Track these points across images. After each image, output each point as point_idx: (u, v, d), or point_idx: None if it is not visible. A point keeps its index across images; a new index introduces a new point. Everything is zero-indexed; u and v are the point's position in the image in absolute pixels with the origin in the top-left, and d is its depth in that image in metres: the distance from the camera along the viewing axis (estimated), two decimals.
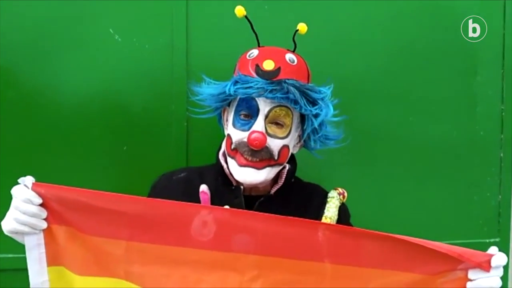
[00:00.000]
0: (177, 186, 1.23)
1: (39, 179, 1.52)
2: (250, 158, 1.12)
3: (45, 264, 1.06)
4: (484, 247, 1.80)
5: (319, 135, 1.19)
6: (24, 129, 1.56)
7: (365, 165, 1.72)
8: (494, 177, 1.78)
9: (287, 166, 1.20)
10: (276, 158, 1.13)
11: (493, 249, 1.04)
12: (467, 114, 1.77)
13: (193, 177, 1.23)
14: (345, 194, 1.23)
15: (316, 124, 1.14)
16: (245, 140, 1.11)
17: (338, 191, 1.23)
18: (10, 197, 1.10)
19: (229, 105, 1.20)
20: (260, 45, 1.19)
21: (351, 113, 1.67)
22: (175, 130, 1.59)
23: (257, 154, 1.11)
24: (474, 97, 1.77)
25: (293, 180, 1.24)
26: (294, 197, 1.22)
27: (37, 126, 1.56)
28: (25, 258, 1.06)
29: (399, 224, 1.69)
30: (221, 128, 1.29)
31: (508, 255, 1.77)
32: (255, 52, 1.15)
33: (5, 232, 1.03)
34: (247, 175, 1.12)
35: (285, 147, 1.14)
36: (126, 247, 1.06)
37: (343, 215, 1.24)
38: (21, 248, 1.07)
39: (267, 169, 1.13)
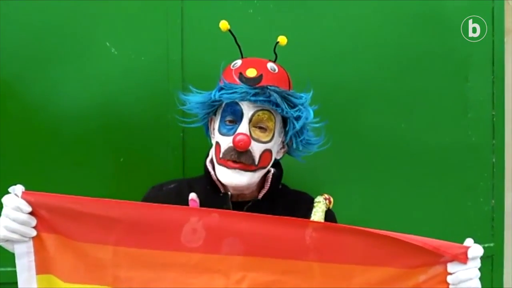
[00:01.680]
0: (168, 197, 1.25)
1: (36, 189, 1.54)
2: (236, 161, 1.16)
3: (34, 272, 1.07)
4: None
5: (301, 138, 1.23)
6: (21, 140, 1.56)
7: (358, 171, 1.73)
8: (486, 182, 1.80)
9: (272, 170, 1.24)
10: (256, 163, 1.17)
11: (469, 241, 1.07)
12: (458, 120, 1.78)
13: (182, 187, 1.26)
14: (331, 200, 1.25)
15: (298, 127, 1.19)
16: (231, 145, 1.15)
17: (324, 197, 1.25)
18: None
19: (215, 114, 1.24)
20: (244, 56, 1.25)
21: (343, 120, 1.71)
22: (171, 141, 1.60)
23: (242, 156, 1.15)
24: (465, 103, 1.79)
25: (280, 186, 1.28)
26: (281, 203, 1.24)
27: (35, 138, 1.56)
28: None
29: (392, 230, 1.72)
30: (208, 138, 1.32)
31: (502, 260, 1.81)
32: (238, 62, 1.21)
33: None
34: (232, 178, 1.16)
35: (267, 151, 1.18)
36: (114, 252, 1.08)
37: (330, 220, 1.25)
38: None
39: (249, 174, 1.17)
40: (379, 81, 1.73)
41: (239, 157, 1.15)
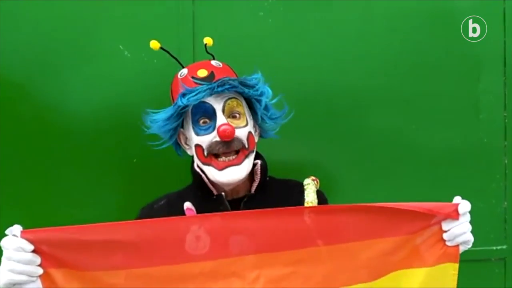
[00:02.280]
0: (160, 214, 1.20)
1: (48, 192, 1.57)
2: (226, 158, 1.18)
3: None
4: (491, 255, 1.82)
5: (270, 113, 1.28)
6: (35, 141, 1.59)
7: (368, 173, 1.73)
8: (499, 184, 1.79)
9: (259, 162, 1.26)
10: (247, 146, 1.20)
11: (457, 199, 1.15)
12: (470, 122, 1.78)
13: (174, 201, 1.25)
14: (318, 180, 1.29)
15: (264, 102, 1.24)
16: (215, 139, 1.17)
17: (311, 178, 1.28)
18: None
19: (182, 126, 1.26)
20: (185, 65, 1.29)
21: (354, 121, 1.71)
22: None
23: (231, 145, 1.17)
24: (477, 104, 1.78)
25: (268, 178, 1.29)
26: (274, 193, 1.27)
27: (49, 139, 1.59)
28: None
29: None
30: (182, 156, 1.33)
31: None
32: (184, 70, 1.25)
33: (2, 286, 1.00)
34: (230, 175, 1.18)
35: (250, 133, 1.22)
36: (125, 275, 1.06)
37: (322, 200, 1.28)
38: None
39: (246, 161, 1.20)
40: (390, 82, 1.73)
41: (229, 147, 1.17)
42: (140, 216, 1.27)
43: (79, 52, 1.59)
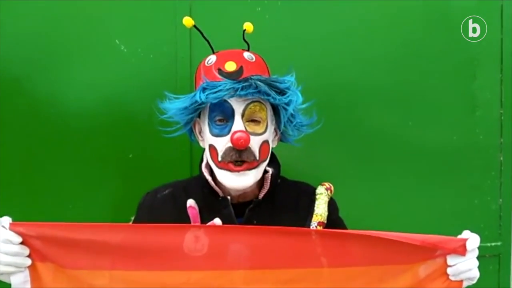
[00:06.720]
0: (163, 205, 1.22)
1: (45, 188, 1.57)
2: (236, 165, 1.11)
3: None
4: (486, 251, 1.83)
5: (295, 122, 1.19)
6: (32, 137, 1.58)
7: (365, 169, 1.74)
8: (494, 181, 1.80)
9: (270, 171, 1.19)
10: (257, 157, 1.13)
11: (466, 233, 1.08)
12: (466, 119, 1.79)
13: (178, 193, 1.22)
14: (332, 188, 1.23)
15: (290, 111, 1.14)
16: (228, 145, 1.10)
17: (325, 187, 1.23)
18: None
19: (199, 116, 1.19)
20: (216, 51, 1.19)
21: (351, 118, 1.71)
22: (179, 138, 1.60)
23: (242, 154, 1.10)
24: (473, 101, 1.79)
25: (279, 181, 1.23)
26: (283, 198, 1.21)
27: (44, 135, 1.58)
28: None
29: (399, 229, 1.71)
30: (194, 142, 1.28)
31: (510, 259, 1.81)
32: (213, 58, 1.15)
33: None
34: (236, 181, 1.12)
35: (265, 143, 1.14)
36: (110, 277, 1.05)
37: (333, 210, 1.24)
38: None
39: (253, 171, 1.13)
40: (387, 79, 1.73)
41: (241, 156, 1.10)
42: (143, 203, 1.25)
43: (75, 47, 1.58)
